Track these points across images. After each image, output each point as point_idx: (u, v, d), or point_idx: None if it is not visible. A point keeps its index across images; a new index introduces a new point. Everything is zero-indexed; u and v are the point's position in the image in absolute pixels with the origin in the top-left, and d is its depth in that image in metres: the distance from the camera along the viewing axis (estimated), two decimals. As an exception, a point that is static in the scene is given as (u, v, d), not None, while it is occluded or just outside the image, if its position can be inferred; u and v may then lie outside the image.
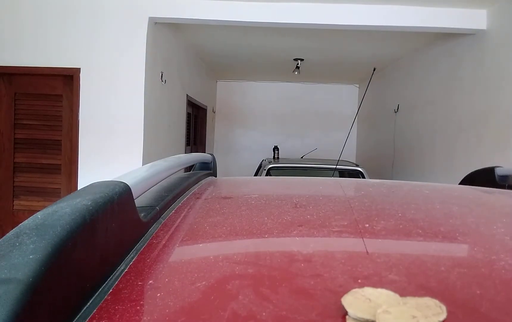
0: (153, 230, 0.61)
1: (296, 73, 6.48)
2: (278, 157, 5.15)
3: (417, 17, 3.72)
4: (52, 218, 0.40)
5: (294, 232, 0.57)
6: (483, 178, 1.19)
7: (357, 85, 8.33)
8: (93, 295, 0.42)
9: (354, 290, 0.35)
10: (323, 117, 8.38)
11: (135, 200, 0.56)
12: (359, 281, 0.40)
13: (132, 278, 0.46)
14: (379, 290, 0.34)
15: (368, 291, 0.35)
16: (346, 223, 0.61)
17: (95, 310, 0.40)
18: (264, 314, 0.35)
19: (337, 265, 0.45)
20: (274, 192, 0.94)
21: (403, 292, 0.34)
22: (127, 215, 0.54)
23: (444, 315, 0.30)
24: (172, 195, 0.76)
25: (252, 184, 1.09)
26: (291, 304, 0.37)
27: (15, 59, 3.70)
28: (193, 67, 5.98)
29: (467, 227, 0.64)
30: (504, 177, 1.15)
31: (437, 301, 0.32)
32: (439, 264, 0.46)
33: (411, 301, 0.33)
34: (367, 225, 0.60)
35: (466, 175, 1.32)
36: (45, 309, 0.35)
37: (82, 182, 3.74)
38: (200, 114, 6.95)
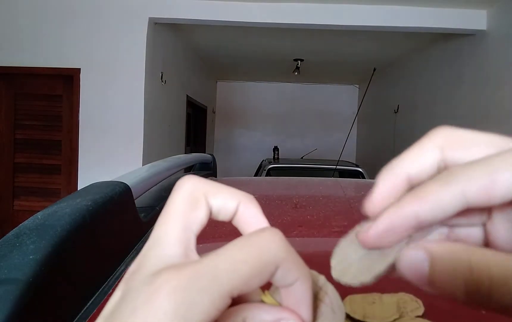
0: (153, 230, 0.61)
1: (296, 73, 6.48)
2: (278, 158, 5.14)
3: (417, 18, 3.73)
4: (52, 218, 0.40)
5: (294, 232, 0.57)
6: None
7: (357, 86, 8.33)
8: (93, 295, 0.42)
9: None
10: (323, 117, 8.38)
11: (135, 200, 0.56)
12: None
13: (132, 278, 0.45)
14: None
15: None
16: (346, 223, 0.61)
17: (95, 310, 0.40)
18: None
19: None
20: (274, 192, 0.94)
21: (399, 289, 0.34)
22: (127, 215, 0.54)
23: (422, 310, 0.31)
24: (172, 195, 0.75)
25: (252, 184, 1.08)
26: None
27: (15, 60, 3.70)
28: (193, 67, 5.98)
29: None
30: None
31: (412, 296, 0.32)
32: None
33: (390, 298, 0.33)
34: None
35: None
36: (45, 309, 0.35)
37: (82, 182, 3.74)
38: (200, 114, 6.94)
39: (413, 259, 0.16)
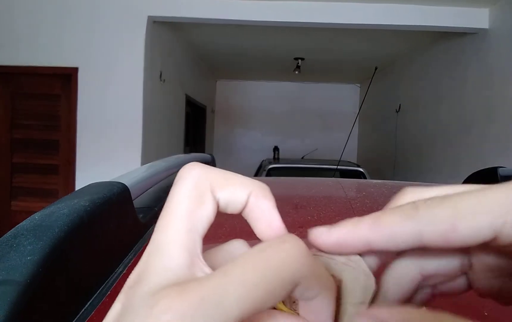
0: (151, 231, 0.60)
1: (296, 72, 6.47)
2: (278, 158, 5.14)
3: (419, 16, 3.72)
4: (49, 219, 0.39)
5: (295, 233, 0.57)
6: (486, 178, 1.18)
7: (358, 85, 8.32)
8: (91, 297, 0.42)
9: None
10: (324, 117, 8.37)
11: (133, 201, 0.56)
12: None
13: (131, 279, 0.45)
14: None
15: None
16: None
17: (93, 312, 0.40)
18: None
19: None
20: (275, 192, 0.93)
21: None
22: (126, 216, 0.53)
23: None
24: (171, 195, 0.75)
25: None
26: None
27: (12, 59, 3.69)
28: (192, 66, 5.97)
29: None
30: (507, 178, 1.14)
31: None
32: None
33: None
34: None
35: (468, 175, 1.31)
36: (43, 311, 0.34)
37: (80, 182, 3.73)
38: (199, 114, 6.94)
39: None
